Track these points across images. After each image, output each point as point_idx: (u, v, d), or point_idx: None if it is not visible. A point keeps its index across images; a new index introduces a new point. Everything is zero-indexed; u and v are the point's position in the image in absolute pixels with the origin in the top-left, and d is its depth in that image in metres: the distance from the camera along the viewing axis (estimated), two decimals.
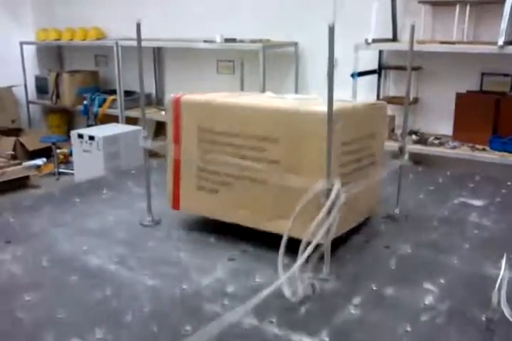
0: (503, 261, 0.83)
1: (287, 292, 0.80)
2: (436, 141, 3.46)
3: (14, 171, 4.06)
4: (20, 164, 4.22)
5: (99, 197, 1.34)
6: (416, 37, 3.90)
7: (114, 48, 4.54)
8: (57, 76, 4.98)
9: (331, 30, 0.84)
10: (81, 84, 5.01)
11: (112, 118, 4.63)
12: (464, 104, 3.46)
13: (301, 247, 0.81)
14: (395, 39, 3.55)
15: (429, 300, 0.84)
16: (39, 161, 4.64)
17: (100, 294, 0.86)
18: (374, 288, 0.88)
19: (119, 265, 0.97)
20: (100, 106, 4.80)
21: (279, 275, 0.81)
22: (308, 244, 0.81)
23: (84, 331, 0.75)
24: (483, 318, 0.78)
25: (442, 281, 0.90)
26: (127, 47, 4.44)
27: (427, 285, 0.89)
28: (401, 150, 1.20)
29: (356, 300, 0.84)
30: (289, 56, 4.28)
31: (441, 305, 0.83)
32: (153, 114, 5.02)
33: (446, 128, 3.61)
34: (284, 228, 0.85)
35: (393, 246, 1.06)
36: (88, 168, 3.62)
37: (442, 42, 3.11)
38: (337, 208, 0.86)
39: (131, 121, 4.82)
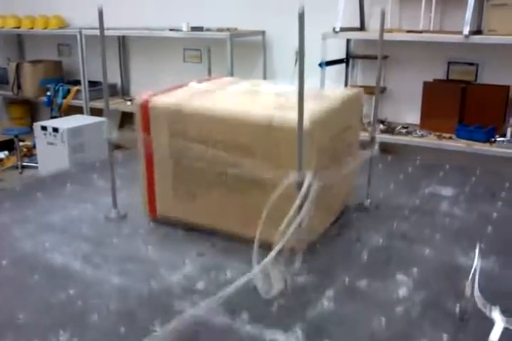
0: (476, 251, 0.82)
1: (260, 286, 0.77)
2: (404, 130, 3.49)
3: None
4: None
5: (63, 191, 1.29)
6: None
7: (78, 37, 4.42)
8: (18, 66, 4.82)
9: (301, 17, 0.81)
10: (43, 75, 4.86)
11: (76, 110, 4.52)
12: (431, 92, 3.49)
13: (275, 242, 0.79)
14: (362, 28, 3.55)
15: (402, 291, 0.83)
16: (0, 154, 4.51)
17: (64, 294, 0.82)
18: (347, 281, 0.87)
19: (83, 262, 0.92)
20: (64, 97, 4.67)
21: (251, 270, 0.78)
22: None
23: (47, 334, 0.71)
24: (457, 309, 0.78)
25: (415, 272, 0.90)
26: (91, 36, 4.32)
27: (400, 277, 0.88)
28: (372, 140, 1.18)
29: (329, 293, 0.82)
30: (257, 45, 4.25)
31: (415, 296, 0.83)
32: (119, 105, 4.92)
33: (414, 117, 3.65)
34: (256, 228, 0.82)
35: (365, 237, 1.05)
36: (53, 160, 3.52)
37: (409, 32, 3.12)
38: (309, 201, 0.84)
39: (96, 112, 4.70)
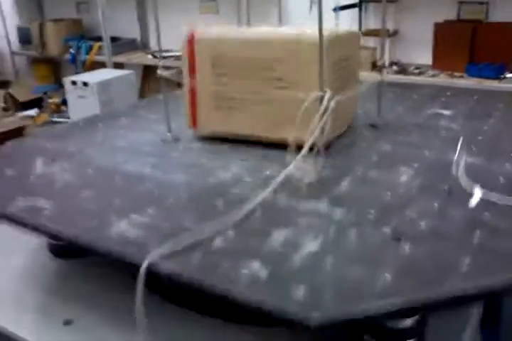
0: (460, 140, 1.05)
1: (298, 174, 1.02)
2: (417, 71, 3.63)
3: (9, 122, 4.17)
4: (13, 115, 4.33)
5: (120, 123, 1.54)
6: None
7: None
8: (40, 25, 4.98)
9: None
10: (66, 33, 5.02)
11: (99, 65, 4.70)
12: (442, 33, 3.61)
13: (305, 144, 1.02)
14: None
15: (403, 178, 1.07)
16: (32, 112, 4.74)
17: (143, 188, 1.08)
18: (360, 172, 1.11)
19: (153, 169, 1.18)
20: (87, 53, 4.85)
21: (286, 166, 1.02)
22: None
23: (137, 210, 0.97)
24: (446, 187, 1.01)
25: (415, 166, 1.13)
26: None
27: (403, 169, 1.11)
28: (382, 66, 1.40)
29: (346, 180, 1.07)
30: None
31: (414, 181, 1.06)
32: (140, 58, 5.08)
33: (426, 58, 3.78)
34: (290, 133, 1.05)
35: (375, 145, 1.28)
36: (84, 114, 3.75)
37: None
38: (329, 111, 1.06)
39: (119, 66, 4.90)
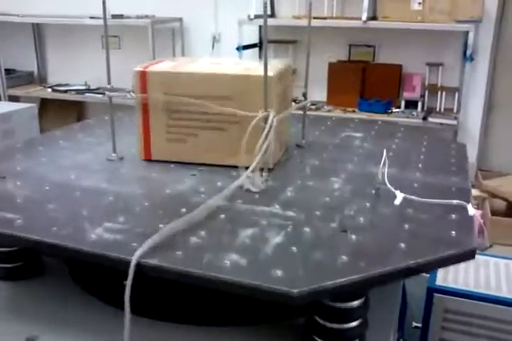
0: (384, 152, 1.26)
1: (248, 185, 1.16)
2: (313, 106, 3.98)
3: None
4: None
5: (60, 145, 1.58)
6: (292, 13, 4.41)
7: None
8: None
9: (265, 7, 1.19)
10: None
11: None
12: (335, 72, 4.01)
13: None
14: (273, 15, 3.97)
15: (336, 185, 1.26)
16: None
17: (106, 200, 1.15)
18: (299, 182, 1.28)
19: (108, 183, 1.25)
20: None
21: (234, 178, 1.16)
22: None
23: (108, 218, 1.04)
24: (373, 191, 1.21)
25: (343, 176, 1.32)
26: (4, 23, 4.37)
27: (334, 179, 1.30)
28: (304, 95, 1.61)
29: (290, 189, 1.23)
30: (174, 31, 4.52)
31: (345, 187, 1.25)
32: (39, 92, 4.99)
33: (321, 94, 4.14)
34: (239, 159, 1.20)
35: (305, 161, 1.47)
36: None
37: (315, 18, 3.59)
38: (273, 130, 1.23)
39: (14, 99, 4.78)
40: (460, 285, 1.63)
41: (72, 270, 1.25)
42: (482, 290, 1.60)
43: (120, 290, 0.84)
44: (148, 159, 1.42)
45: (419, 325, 1.69)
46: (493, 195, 3.48)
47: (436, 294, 1.61)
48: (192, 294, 1.05)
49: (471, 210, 1.11)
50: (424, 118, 3.68)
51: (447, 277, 1.67)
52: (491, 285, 1.63)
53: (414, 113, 3.79)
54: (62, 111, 5.03)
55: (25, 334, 1.00)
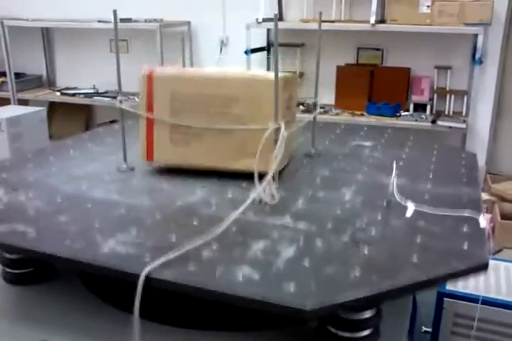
0: (394, 164, 1.26)
1: (264, 197, 1.16)
2: (321, 110, 3.96)
3: None
4: None
5: (70, 155, 1.59)
6: (300, 16, 4.41)
7: (0, 28, 4.46)
8: None
9: (276, 16, 1.19)
10: None
11: (3, 101, 4.59)
12: (343, 75, 4.00)
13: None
14: (281, 18, 3.96)
15: (347, 197, 1.26)
16: None
17: (118, 212, 1.15)
18: (310, 193, 1.28)
19: (119, 195, 1.26)
20: None
21: (250, 190, 1.15)
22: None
23: (120, 230, 1.05)
24: (384, 202, 1.21)
25: (354, 187, 1.32)
26: (14, 27, 4.39)
27: (344, 190, 1.30)
28: (314, 105, 1.61)
29: (301, 200, 1.23)
30: (182, 35, 4.52)
31: (356, 199, 1.25)
32: (47, 95, 5.01)
33: (329, 98, 4.13)
34: (245, 164, 1.20)
35: (315, 171, 1.47)
36: None
37: (323, 21, 3.59)
38: (283, 140, 1.23)
39: (23, 103, 4.80)
40: (470, 290, 1.62)
41: (83, 275, 1.25)
42: (492, 294, 1.59)
43: (130, 294, 0.84)
44: (152, 163, 1.43)
45: (429, 329, 1.68)
46: (502, 199, 3.46)
47: (446, 299, 1.60)
48: (201, 300, 1.05)
49: (483, 222, 1.11)
50: (433, 122, 3.66)
51: (457, 281, 1.67)
52: (501, 289, 1.63)
53: (423, 116, 3.77)
54: (71, 114, 5.05)
55: (36, 339, 1.01)
